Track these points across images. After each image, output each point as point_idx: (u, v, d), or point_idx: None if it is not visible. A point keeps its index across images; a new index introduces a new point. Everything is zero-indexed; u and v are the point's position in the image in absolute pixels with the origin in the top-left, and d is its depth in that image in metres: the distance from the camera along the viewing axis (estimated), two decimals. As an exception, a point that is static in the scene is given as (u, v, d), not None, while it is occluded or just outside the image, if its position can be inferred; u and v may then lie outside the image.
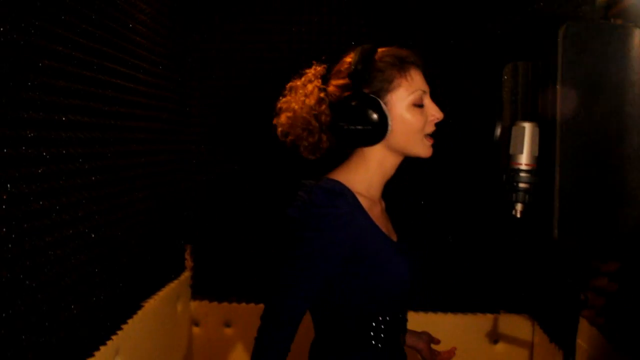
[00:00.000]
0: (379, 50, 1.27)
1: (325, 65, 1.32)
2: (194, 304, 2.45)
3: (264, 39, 2.34)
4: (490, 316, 2.37)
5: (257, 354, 1.19)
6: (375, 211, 1.31)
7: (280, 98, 1.34)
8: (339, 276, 1.21)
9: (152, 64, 1.92)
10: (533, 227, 1.59)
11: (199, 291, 2.45)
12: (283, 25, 2.33)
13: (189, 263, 2.42)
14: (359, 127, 1.20)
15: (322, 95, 1.27)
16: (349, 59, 1.27)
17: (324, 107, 1.26)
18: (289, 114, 1.28)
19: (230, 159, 2.41)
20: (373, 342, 1.27)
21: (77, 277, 1.42)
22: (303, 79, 1.32)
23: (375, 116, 1.20)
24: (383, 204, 1.40)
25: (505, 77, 1.65)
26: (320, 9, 2.32)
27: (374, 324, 1.27)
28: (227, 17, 2.34)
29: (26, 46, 1.17)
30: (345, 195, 1.22)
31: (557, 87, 1.22)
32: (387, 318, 1.29)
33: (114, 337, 1.63)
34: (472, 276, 2.36)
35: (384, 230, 1.29)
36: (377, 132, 1.21)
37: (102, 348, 1.55)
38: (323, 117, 1.26)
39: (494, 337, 2.38)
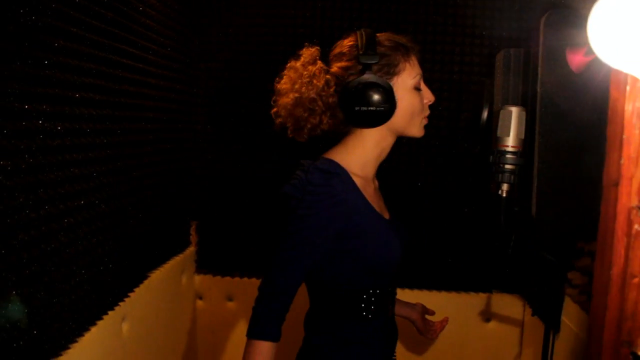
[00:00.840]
0: (377, 34, 1.33)
1: (317, 47, 1.37)
2: (198, 278, 2.54)
3: (270, 23, 2.41)
4: (483, 295, 2.44)
5: (253, 324, 1.27)
6: (369, 190, 1.38)
7: (277, 79, 1.39)
8: (333, 252, 1.29)
9: (161, 46, 1.99)
10: (518, 207, 1.66)
11: (203, 265, 2.54)
12: (287, 9, 2.39)
13: (194, 238, 2.51)
14: (372, 108, 1.25)
15: (328, 77, 1.31)
16: (348, 42, 1.33)
17: (332, 89, 1.30)
18: (296, 95, 1.30)
19: (235, 139, 2.48)
20: (364, 313, 1.35)
21: (88, 245, 1.51)
22: (301, 59, 1.36)
23: (385, 98, 1.25)
24: (376, 183, 1.46)
25: (498, 64, 1.72)
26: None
27: (364, 297, 1.35)
28: (233, 1, 2.40)
29: (43, 27, 1.25)
30: (340, 175, 1.29)
31: (538, 72, 1.28)
32: (377, 291, 1.37)
33: (121, 303, 1.72)
34: (466, 256, 2.42)
35: (376, 208, 1.36)
36: (386, 113, 1.26)
37: (110, 313, 1.65)
38: (330, 99, 1.31)
39: (487, 315, 2.45)
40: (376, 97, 1.25)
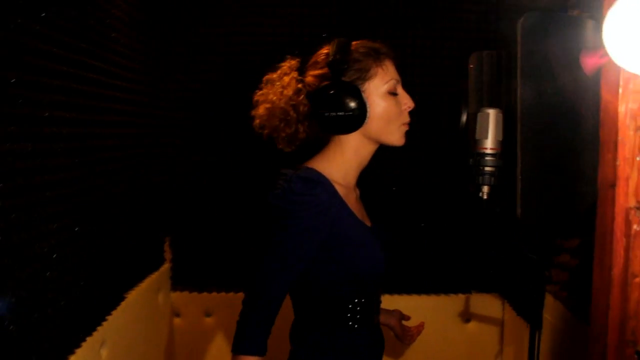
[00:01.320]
0: (353, 42, 1.32)
1: (299, 59, 1.36)
2: (175, 295, 2.48)
3: (240, 32, 2.38)
4: (462, 296, 2.47)
5: (239, 339, 1.23)
6: (351, 198, 1.36)
7: (257, 91, 1.37)
8: (317, 261, 1.27)
9: (129, 59, 1.94)
10: (499, 208, 1.67)
11: (179, 282, 2.48)
12: (257, 18, 2.37)
13: (168, 255, 2.44)
14: (340, 113, 1.24)
15: (299, 86, 1.30)
16: (325, 51, 1.32)
17: (302, 97, 1.29)
18: (267, 105, 1.30)
19: (206, 151, 2.44)
20: (350, 323, 1.33)
21: (62, 270, 1.44)
22: (279, 71, 1.35)
23: (354, 102, 1.24)
24: (358, 191, 1.45)
25: (471, 66, 1.73)
26: (293, 2, 2.36)
27: (350, 306, 1.33)
28: (199, 13, 2.37)
29: (9, 43, 1.20)
30: (323, 183, 1.27)
31: (517, 74, 1.29)
32: (363, 300, 1.35)
33: (99, 328, 1.66)
34: (444, 258, 2.44)
35: (359, 216, 1.35)
36: (357, 118, 1.25)
37: (89, 339, 1.58)
38: (301, 107, 1.30)
39: (466, 316, 2.48)
40: (344, 101, 1.24)
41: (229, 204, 2.43)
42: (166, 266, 2.42)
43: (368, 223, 1.41)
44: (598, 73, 0.76)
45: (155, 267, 2.30)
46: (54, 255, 1.41)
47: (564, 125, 1.29)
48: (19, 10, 1.24)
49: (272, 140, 1.36)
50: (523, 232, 1.51)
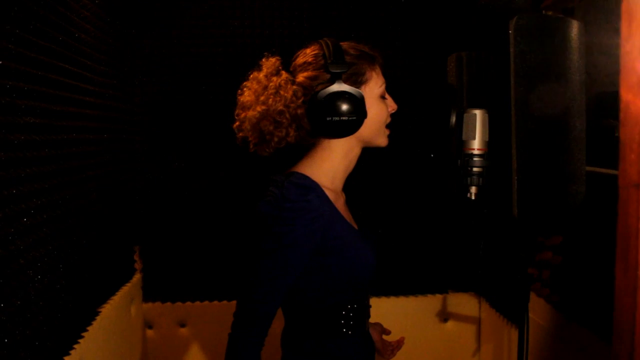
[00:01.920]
0: (341, 43, 1.29)
1: (278, 57, 1.31)
2: (147, 307, 2.39)
3: (204, 34, 2.32)
4: (439, 296, 2.48)
5: (232, 352, 1.19)
6: (339, 203, 1.34)
7: (239, 92, 1.31)
8: (311, 268, 1.24)
9: (96, 62, 1.84)
10: (484, 208, 1.68)
11: (150, 293, 2.39)
12: (222, 19, 2.32)
13: (138, 265, 2.35)
14: (344, 118, 1.21)
15: (295, 87, 1.26)
16: (313, 51, 1.28)
17: (300, 101, 1.25)
18: (262, 107, 1.24)
19: (176, 156, 2.37)
20: (344, 329, 1.31)
21: (35, 290, 1.35)
22: (264, 70, 1.29)
23: (357, 107, 1.22)
24: (344, 195, 1.43)
25: (450, 67, 1.74)
26: (262, 2, 2.31)
27: (343, 312, 1.31)
28: (165, 14, 2.30)
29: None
30: (315, 189, 1.24)
31: (511, 75, 1.30)
32: (355, 306, 1.33)
33: (76, 346, 1.57)
34: (420, 259, 2.45)
35: (347, 220, 1.33)
36: (356, 122, 1.23)
37: (66, 358, 1.49)
38: (298, 111, 1.25)
39: (444, 316, 2.49)
40: (348, 106, 1.21)
41: (200, 210, 2.37)
42: (137, 276, 2.33)
43: (355, 227, 1.39)
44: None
45: (127, 278, 2.21)
46: (27, 273, 1.31)
47: (556, 126, 1.31)
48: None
49: (245, 144, 1.31)
50: (516, 232, 1.51)
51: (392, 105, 1.35)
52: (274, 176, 1.31)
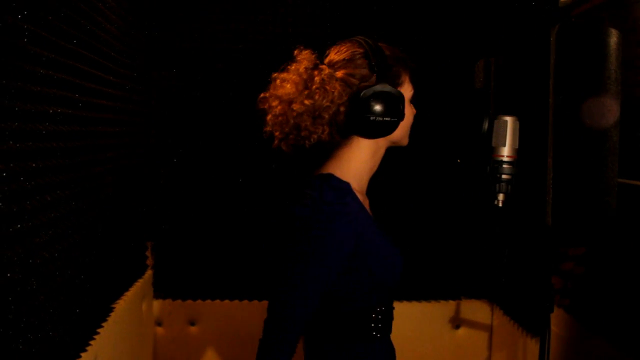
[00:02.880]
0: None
1: (310, 50, 1.28)
2: (157, 303, 2.36)
3: (226, 30, 2.30)
4: (452, 303, 2.46)
5: (263, 358, 1.16)
6: (366, 204, 1.32)
7: (274, 83, 1.26)
8: (345, 271, 1.22)
9: (118, 53, 1.82)
10: (511, 215, 1.66)
11: (161, 290, 2.36)
12: (243, 15, 2.29)
13: (150, 261, 2.32)
14: (387, 118, 1.21)
15: (342, 85, 1.23)
16: (352, 49, 1.26)
17: (345, 98, 1.22)
18: (309, 102, 1.20)
19: (189, 153, 2.34)
20: (373, 332, 1.29)
21: (53, 286, 1.32)
22: (304, 63, 1.25)
23: (399, 108, 1.21)
24: (367, 199, 1.40)
25: (478, 72, 1.72)
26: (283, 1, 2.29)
27: (373, 315, 1.29)
28: (187, 13, 2.27)
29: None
30: (351, 191, 1.23)
31: (550, 83, 1.28)
32: (383, 308, 1.32)
33: (92, 342, 1.54)
34: (433, 264, 2.42)
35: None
36: (396, 124, 1.23)
37: (83, 355, 1.46)
38: (341, 108, 1.23)
39: (456, 322, 2.47)
40: (390, 107, 1.21)
41: (213, 208, 2.34)
42: (149, 272, 2.30)
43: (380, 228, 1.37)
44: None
45: (140, 274, 2.18)
46: (45, 268, 1.28)
47: (594, 136, 1.29)
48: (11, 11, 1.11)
49: (262, 142, 1.28)
50: (546, 240, 1.49)
51: (414, 109, 1.36)
52: (309, 178, 1.28)
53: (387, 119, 1.20)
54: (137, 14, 2.08)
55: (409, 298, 2.44)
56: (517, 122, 1.46)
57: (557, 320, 1.85)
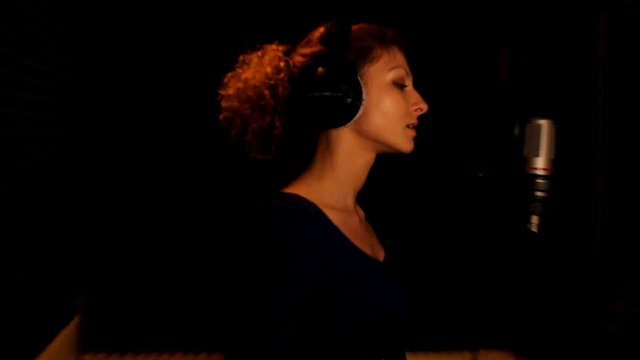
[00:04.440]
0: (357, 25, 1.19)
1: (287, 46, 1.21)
2: (87, 358, 2.22)
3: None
4: (468, 354, 2.27)
5: None
6: (352, 224, 1.16)
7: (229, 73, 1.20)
8: (314, 316, 1.04)
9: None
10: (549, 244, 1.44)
11: (90, 342, 2.23)
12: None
13: (78, 310, 2.20)
14: (326, 93, 1.09)
15: (282, 64, 1.14)
16: (318, 31, 1.18)
17: (282, 75, 1.13)
18: (239, 85, 1.13)
19: (123, 188, 2.24)
20: None
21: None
22: (261, 51, 1.20)
23: (346, 82, 1.09)
24: (361, 213, 1.27)
25: (502, 65, 1.55)
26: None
27: None
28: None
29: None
30: (308, 212, 1.07)
31: (598, 77, 1.11)
32: None
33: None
34: (447, 308, 2.29)
35: (365, 248, 1.13)
36: (349, 106, 1.09)
37: None
38: (280, 89, 1.13)
39: (473, 377, 2.30)
40: (332, 79, 1.09)
41: (148, 248, 2.23)
42: (75, 321, 2.14)
43: (381, 256, 1.22)
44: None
45: (64, 324, 2.02)
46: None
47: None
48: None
49: (243, 146, 1.17)
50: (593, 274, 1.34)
51: (417, 104, 1.18)
52: (258, 201, 1.11)
53: (326, 93, 1.09)
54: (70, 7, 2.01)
55: (417, 349, 2.25)
56: (554, 126, 1.30)
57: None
